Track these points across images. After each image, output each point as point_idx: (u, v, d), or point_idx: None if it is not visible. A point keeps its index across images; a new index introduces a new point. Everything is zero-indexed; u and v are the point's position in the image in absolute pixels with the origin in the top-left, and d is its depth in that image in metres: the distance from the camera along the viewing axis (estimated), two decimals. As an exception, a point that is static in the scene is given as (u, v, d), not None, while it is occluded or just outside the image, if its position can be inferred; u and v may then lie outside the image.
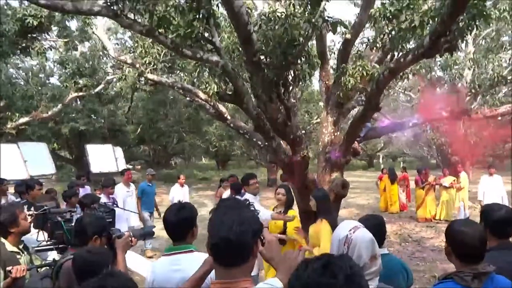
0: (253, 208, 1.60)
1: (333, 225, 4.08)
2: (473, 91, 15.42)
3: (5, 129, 14.35)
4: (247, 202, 1.61)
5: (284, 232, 4.77)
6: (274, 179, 23.34)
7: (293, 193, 7.87)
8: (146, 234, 2.90)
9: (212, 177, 31.84)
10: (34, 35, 12.49)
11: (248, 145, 22.37)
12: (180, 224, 2.44)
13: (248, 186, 5.15)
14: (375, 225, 2.63)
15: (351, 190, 20.49)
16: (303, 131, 20.97)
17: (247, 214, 1.51)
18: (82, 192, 7.10)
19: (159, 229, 3.11)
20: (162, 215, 2.55)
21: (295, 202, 5.50)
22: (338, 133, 7.17)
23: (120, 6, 4.44)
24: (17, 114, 15.01)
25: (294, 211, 5.23)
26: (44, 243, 2.73)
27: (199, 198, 19.52)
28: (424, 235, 9.88)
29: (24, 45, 12.46)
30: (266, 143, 6.39)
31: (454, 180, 11.53)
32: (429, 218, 11.56)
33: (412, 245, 8.95)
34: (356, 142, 6.95)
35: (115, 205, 4.36)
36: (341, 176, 6.91)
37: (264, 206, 5.62)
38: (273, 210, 5.09)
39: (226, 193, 8.69)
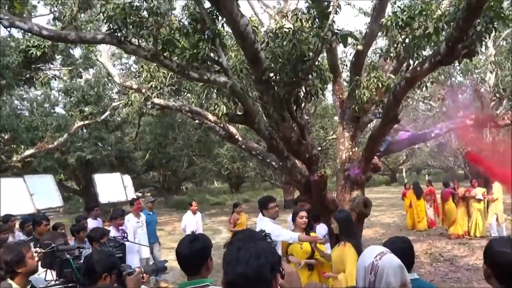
0: (269, 240, 1.58)
1: (358, 248, 4.03)
2: (497, 95, 15.23)
3: (10, 162, 14.64)
4: (263, 234, 1.60)
5: (312, 256, 4.72)
6: (291, 201, 23.17)
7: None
8: (158, 270, 2.88)
9: (225, 201, 31.81)
10: (38, 66, 12.84)
11: (261, 166, 22.36)
12: (194, 257, 2.42)
13: (267, 210, 5.12)
14: (402, 248, 2.57)
15: (374, 208, 20.10)
16: (319, 148, 20.98)
17: (263, 246, 1.49)
18: (94, 224, 7.14)
19: (170, 260, 3.09)
20: (175, 247, 2.54)
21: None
22: (356, 148, 7.14)
23: (123, 32, 4.55)
24: (22, 146, 15.28)
25: (316, 234, 5.17)
26: (53, 282, 2.74)
27: (212, 224, 19.47)
28: (457, 253, 9.63)
29: (28, 76, 12.81)
30: (281, 164, 6.37)
31: (484, 191, 11.28)
32: (461, 234, 11.26)
33: (445, 265, 8.71)
34: (376, 157, 6.90)
35: (125, 239, 4.36)
36: (362, 194, 6.84)
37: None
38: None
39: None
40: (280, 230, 4.72)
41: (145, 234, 8.18)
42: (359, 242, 4.26)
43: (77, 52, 16.23)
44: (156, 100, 8.39)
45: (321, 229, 5.58)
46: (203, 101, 8.19)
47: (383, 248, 1.97)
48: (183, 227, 9.44)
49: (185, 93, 9.55)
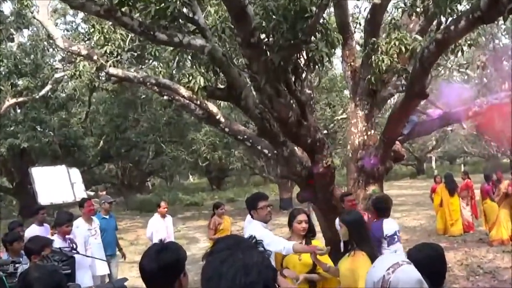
0: (261, 248, 1.60)
1: (373, 259, 4.08)
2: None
3: None
4: (253, 241, 1.61)
5: (314, 269, 4.78)
6: (289, 200, 23.39)
7: (314, 218, 7.82)
8: (116, 290, 2.91)
9: (203, 201, 31.94)
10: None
11: (250, 155, 22.44)
12: (163, 273, 2.44)
13: (257, 211, 5.16)
14: (431, 258, 2.60)
15: (395, 208, 20.38)
16: (325, 131, 21.10)
17: (254, 258, 1.49)
18: (41, 232, 7.11)
19: (132, 278, 3.11)
20: (139, 260, 2.55)
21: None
22: (373, 131, 7.19)
23: (66, -21, 4.49)
24: None
25: (319, 241, 5.22)
26: (-19, 307, 2.74)
27: (187, 230, 19.60)
28: (499, 264, 9.81)
29: None
30: (275, 152, 6.40)
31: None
32: (506, 240, 11.46)
33: (485, 279, 8.88)
34: (397, 142, 6.98)
35: (74, 250, 4.35)
36: (380, 190, 6.93)
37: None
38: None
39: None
40: (271, 238, 4.78)
41: (100, 245, 8.19)
42: (375, 251, 4.32)
43: (6, 7, 15.98)
44: (112, 70, 8.31)
45: (389, 226, 5.67)
46: (174, 71, 8.14)
47: (399, 258, 2.01)
48: (149, 235, 9.47)
49: (150, 61, 9.48)
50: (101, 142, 25.34)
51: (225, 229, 9.60)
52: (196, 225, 21.07)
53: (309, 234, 5.00)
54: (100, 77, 9.84)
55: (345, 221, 4.30)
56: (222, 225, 9.66)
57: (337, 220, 4.47)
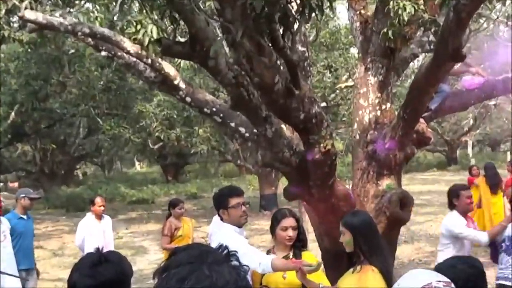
0: (235, 263, 1.61)
1: (387, 276, 4.20)
2: None
3: None
4: (223, 251, 1.63)
5: None
6: (272, 197, 23.51)
7: (307, 221, 7.95)
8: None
9: (155, 198, 31.91)
10: None
11: (220, 136, 22.41)
12: None
13: (227, 210, 5.20)
14: (466, 276, 2.66)
15: (418, 210, 20.57)
16: (324, 104, 21.14)
17: (226, 277, 1.51)
18: None
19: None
20: (65, 277, 2.56)
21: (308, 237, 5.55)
22: (389, 105, 7.24)
23: None
24: None
25: (311, 254, 5.31)
26: None
27: (132, 238, 19.64)
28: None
29: None
30: (255, 131, 6.40)
31: None
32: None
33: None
34: (422, 120, 7.03)
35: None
36: (397, 185, 7.00)
37: (253, 246, 5.69)
38: (269, 253, 5.17)
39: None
40: (244, 249, 4.81)
41: (11, 255, 8.16)
42: (389, 266, 4.40)
43: None
44: (29, 14, 8.18)
45: None
46: (116, 18, 8.05)
47: (434, 276, 2.05)
48: (80, 243, 9.48)
49: (83, 2, 9.37)
50: (12, 113, 24.98)
51: (184, 236, 9.65)
52: (145, 230, 21.11)
53: (298, 244, 5.06)
54: (11, 24, 9.69)
55: (348, 224, 4.37)
56: (181, 230, 9.69)
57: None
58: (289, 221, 5.02)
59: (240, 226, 5.31)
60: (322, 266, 5.11)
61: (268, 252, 5.26)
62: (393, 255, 7.25)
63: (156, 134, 21.28)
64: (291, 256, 5.01)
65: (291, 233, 4.98)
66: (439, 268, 2.55)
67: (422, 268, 2.86)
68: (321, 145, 5.83)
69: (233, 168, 48.10)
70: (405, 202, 6.72)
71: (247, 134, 7.23)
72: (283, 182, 27.27)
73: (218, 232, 5.29)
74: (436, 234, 15.58)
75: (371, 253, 4.23)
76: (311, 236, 7.64)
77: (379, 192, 6.92)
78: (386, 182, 6.93)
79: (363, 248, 4.24)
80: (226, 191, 5.46)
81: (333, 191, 6.28)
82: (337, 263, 4.94)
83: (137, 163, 64.44)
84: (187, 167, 47.42)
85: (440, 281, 2.02)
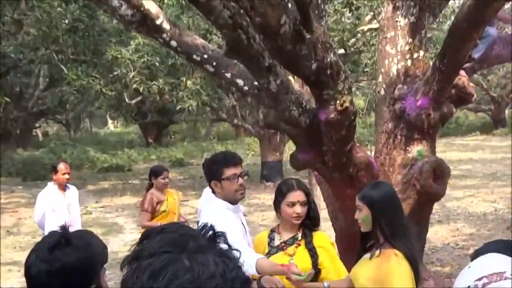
0: (223, 247, 1.59)
1: (413, 261, 4.23)
2: None
3: None
4: (209, 233, 1.60)
5: (315, 278, 4.87)
6: (277, 165, 23.54)
7: (319, 196, 7.97)
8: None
9: (133, 165, 31.99)
10: None
11: (213, 89, 22.34)
12: (62, 282, 2.49)
13: (221, 182, 5.21)
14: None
15: (456, 183, 20.65)
16: (341, 51, 20.95)
17: (211, 269, 1.49)
18: None
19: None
20: (22, 260, 2.57)
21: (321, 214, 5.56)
22: (422, 53, 7.22)
23: None
24: None
25: (325, 235, 5.34)
26: None
27: (104, 213, 19.71)
28: None
29: None
30: (256, 84, 6.38)
31: None
32: None
33: None
34: (463, 72, 7.01)
35: None
36: (430, 152, 7.00)
37: (253, 226, 5.70)
38: (273, 234, 5.24)
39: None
40: (231, 237, 4.83)
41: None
42: (416, 251, 4.39)
43: None
44: None
45: None
46: None
47: (501, 266, 2.06)
48: (39, 218, 9.50)
49: None
50: None
51: (169, 212, 9.65)
52: (119, 203, 21.20)
53: (308, 223, 5.07)
54: None
55: (367, 198, 4.37)
56: (165, 204, 9.69)
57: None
58: (296, 195, 4.99)
59: (235, 202, 5.32)
60: (336, 250, 5.14)
61: (272, 232, 5.29)
62: (424, 237, 7.31)
63: (134, 86, 21.17)
64: (299, 238, 5.04)
65: (299, 209, 4.96)
66: (479, 253, 2.54)
67: (463, 254, 2.85)
68: (337, 101, 5.82)
69: (229, 129, 48.23)
70: (439, 172, 6.72)
71: (246, 88, 7.22)
72: (289, 147, 27.25)
73: (207, 210, 5.29)
74: (478, 213, 15.69)
75: (393, 234, 4.22)
76: (323, 213, 7.67)
77: (408, 160, 6.93)
78: (416, 148, 6.94)
79: (384, 227, 4.23)
80: (220, 158, 5.41)
81: (351, 159, 6.29)
82: (354, 246, 4.93)
83: (110, 121, 64.49)
84: (171, 127, 47.54)
85: (507, 269, 2.03)
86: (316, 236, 5.05)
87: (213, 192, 5.37)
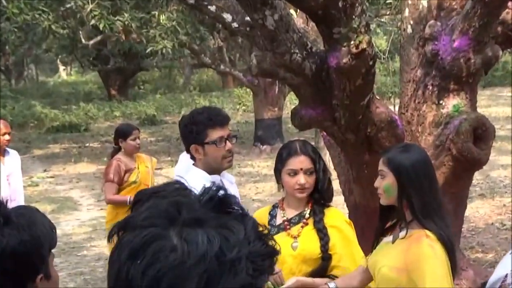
0: (231, 220, 1.56)
1: (449, 245, 4.25)
2: None
3: None
4: (219, 199, 1.59)
5: (323, 269, 4.94)
6: (274, 124, 23.52)
7: (329, 162, 8.03)
8: None
9: (91, 123, 31.93)
10: None
11: (194, 26, 22.22)
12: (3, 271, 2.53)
13: (203, 146, 5.25)
14: None
15: (504, 146, 20.56)
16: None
17: (202, 249, 1.48)
18: None
19: None
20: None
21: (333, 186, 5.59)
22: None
23: None
24: None
25: (339, 212, 5.41)
26: None
27: (54, 185, 19.73)
28: None
29: None
30: (248, 19, 6.38)
31: None
32: None
33: None
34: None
35: None
36: (470, 107, 7.01)
37: (245, 200, 5.73)
38: (276, 210, 5.32)
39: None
40: None
41: None
42: (450, 232, 4.41)
43: None
44: None
45: None
46: None
47: None
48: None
49: None
50: None
51: (140, 183, 9.65)
52: (74, 172, 21.24)
53: (318, 197, 5.09)
54: None
55: (393, 162, 4.39)
56: (135, 173, 9.71)
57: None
58: (299, 161, 5.01)
59: (219, 172, 5.35)
60: (353, 230, 5.15)
61: (274, 207, 5.36)
62: (461, 216, 7.34)
63: (92, 22, 21.11)
64: (307, 215, 5.10)
65: (302, 179, 4.98)
66: None
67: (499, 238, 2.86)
68: (352, 42, 5.83)
69: (214, 78, 48.09)
70: (481, 133, 6.71)
71: (235, 24, 7.21)
72: (291, 101, 27.15)
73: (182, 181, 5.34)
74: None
75: (425, 211, 4.23)
76: (334, 184, 7.69)
77: (442, 117, 6.93)
78: (452, 102, 6.93)
79: (414, 201, 4.24)
80: (203, 117, 5.41)
81: (369, 116, 6.30)
82: (373, 227, 4.95)
83: (61, 68, 64.16)
84: (140, 75, 47.33)
85: None
86: (329, 213, 5.10)
87: (192, 158, 5.39)
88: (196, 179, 5.02)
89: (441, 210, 4.36)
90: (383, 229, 4.44)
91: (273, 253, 1.57)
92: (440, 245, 4.11)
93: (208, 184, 4.73)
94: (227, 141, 5.27)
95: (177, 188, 1.66)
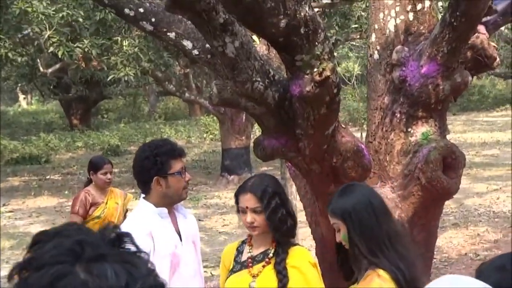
0: (132, 255, 1.62)
1: (402, 282, 4.25)
2: None
3: None
4: (117, 236, 1.62)
5: None
6: (242, 153, 23.55)
7: (294, 194, 8.04)
8: None
9: (51, 155, 31.91)
10: None
11: (158, 52, 22.24)
12: None
13: (166, 179, 5.32)
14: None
15: (479, 173, 20.87)
16: (323, 0, 20.92)
17: (111, 281, 1.54)
18: None
19: None
20: None
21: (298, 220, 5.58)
22: (428, 3, 7.24)
23: None
24: None
25: (305, 251, 5.40)
26: None
27: (13, 219, 19.72)
28: None
29: None
30: (208, 46, 6.37)
31: None
32: None
33: None
34: (482, 28, 7.05)
35: None
36: (439, 135, 7.04)
37: (211, 233, 5.76)
38: (243, 246, 5.36)
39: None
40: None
41: None
42: (409, 266, 4.39)
43: None
44: None
45: None
46: None
47: (473, 284, 2.09)
48: None
49: None
50: None
51: (105, 219, 9.62)
52: (34, 206, 21.17)
53: (276, 236, 5.09)
54: None
55: (336, 210, 4.45)
56: (101, 208, 9.70)
57: None
58: (246, 199, 5.11)
59: (174, 204, 5.43)
60: (318, 271, 5.15)
61: (243, 243, 5.41)
62: (432, 247, 7.34)
63: (51, 49, 21.09)
64: (270, 254, 5.11)
65: (249, 218, 5.06)
66: (481, 271, 2.59)
67: (472, 269, 2.89)
68: (315, 69, 5.82)
69: (180, 105, 48.17)
70: (451, 162, 6.73)
71: (195, 52, 7.23)
72: (259, 130, 26.93)
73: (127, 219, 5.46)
74: (506, 213, 15.85)
75: (372, 249, 4.27)
76: (302, 216, 7.68)
77: (410, 145, 6.94)
78: (421, 130, 6.95)
79: (359, 243, 4.29)
80: (166, 148, 5.53)
81: (334, 145, 6.30)
82: (339, 264, 4.95)
83: (21, 96, 64.15)
84: (104, 103, 47.37)
85: None
86: (293, 253, 5.10)
87: (144, 192, 5.46)
88: (145, 213, 5.39)
89: (397, 245, 4.38)
90: (347, 274, 4.45)
91: (163, 286, 1.65)
92: (391, 284, 4.15)
93: (154, 217, 4.84)
94: (183, 170, 5.38)
95: (79, 228, 1.71)
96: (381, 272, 4.18)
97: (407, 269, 4.23)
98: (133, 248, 1.66)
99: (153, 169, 5.38)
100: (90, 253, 1.58)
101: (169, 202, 5.44)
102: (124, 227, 5.28)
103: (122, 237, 1.66)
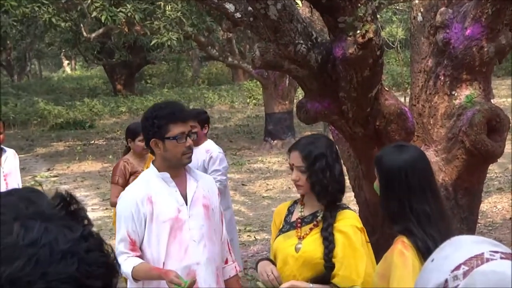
0: (74, 222, 1.64)
1: (424, 252, 4.12)
2: None
3: None
4: (60, 204, 1.65)
5: (325, 278, 4.97)
6: (285, 117, 23.49)
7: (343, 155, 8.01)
8: None
9: (96, 120, 31.96)
10: None
11: (201, 16, 22.14)
12: None
13: (163, 142, 5.48)
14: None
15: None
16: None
17: (43, 236, 1.57)
18: None
19: None
20: None
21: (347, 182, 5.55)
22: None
23: None
24: None
25: (353, 214, 5.37)
26: None
27: (58, 184, 19.73)
28: None
29: None
30: (251, 9, 6.35)
31: None
32: None
33: None
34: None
35: None
36: (484, 98, 6.97)
37: (254, 198, 5.76)
38: (295, 205, 5.37)
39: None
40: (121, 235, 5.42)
41: None
42: (429, 239, 4.29)
43: None
44: None
45: None
46: None
47: (487, 244, 2.07)
48: None
49: None
50: None
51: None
52: (79, 171, 21.25)
53: (320, 198, 5.07)
54: None
55: (376, 163, 4.42)
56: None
57: None
58: (292, 157, 5.11)
59: (177, 168, 5.46)
60: (365, 236, 5.11)
61: (294, 203, 5.42)
62: (476, 211, 7.30)
63: (94, 13, 21.06)
64: (319, 217, 5.10)
65: (294, 175, 5.07)
66: None
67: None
68: (358, 31, 5.79)
69: (223, 70, 48.03)
70: (496, 124, 6.66)
71: (237, 15, 7.19)
72: (302, 94, 26.63)
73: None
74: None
75: (397, 216, 4.25)
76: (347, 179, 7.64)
77: (454, 108, 6.89)
78: (465, 93, 6.89)
79: (390, 205, 4.28)
80: (165, 111, 5.55)
81: (377, 108, 6.27)
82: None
83: (65, 62, 64.15)
84: (147, 69, 47.33)
85: (495, 252, 2.02)
86: (341, 217, 5.06)
87: (152, 153, 5.51)
88: (148, 177, 5.54)
89: (431, 216, 4.24)
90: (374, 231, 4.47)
91: (111, 267, 1.64)
92: (412, 252, 4.07)
93: (157, 181, 4.91)
94: (188, 137, 5.37)
95: (33, 190, 1.74)
96: (405, 239, 4.13)
97: (428, 244, 4.11)
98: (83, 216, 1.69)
99: (151, 131, 5.45)
100: (31, 210, 1.62)
101: (170, 166, 5.49)
102: (124, 193, 5.42)
103: (72, 207, 1.69)
